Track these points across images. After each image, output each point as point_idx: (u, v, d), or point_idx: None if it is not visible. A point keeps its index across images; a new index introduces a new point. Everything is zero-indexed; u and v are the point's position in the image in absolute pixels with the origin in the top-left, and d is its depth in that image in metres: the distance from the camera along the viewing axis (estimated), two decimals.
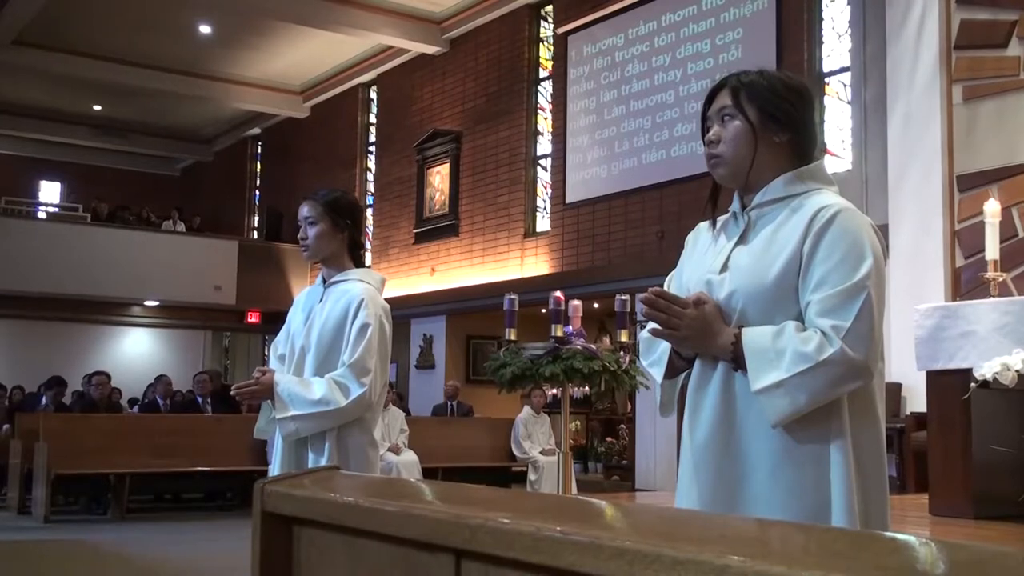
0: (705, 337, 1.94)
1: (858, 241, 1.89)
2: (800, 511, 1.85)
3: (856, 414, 1.90)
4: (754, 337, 1.89)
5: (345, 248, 3.60)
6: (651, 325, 2.02)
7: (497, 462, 11.17)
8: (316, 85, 19.15)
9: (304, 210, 3.56)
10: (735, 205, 2.12)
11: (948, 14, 9.24)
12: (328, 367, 3.42)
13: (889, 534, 0.95)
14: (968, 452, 4.90)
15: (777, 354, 1.84)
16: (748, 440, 1.91)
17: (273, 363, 3.66)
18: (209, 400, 11.34)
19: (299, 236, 3.60)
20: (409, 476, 9.74)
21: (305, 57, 17.75)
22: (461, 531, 0.93)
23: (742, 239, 2.04)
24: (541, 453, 10.49)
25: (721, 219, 2.14)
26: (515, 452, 10.84)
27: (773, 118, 2.04)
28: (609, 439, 12.92)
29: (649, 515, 1.11)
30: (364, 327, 3.41)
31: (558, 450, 6.76)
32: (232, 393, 3.91)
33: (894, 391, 8.85)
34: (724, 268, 2.02)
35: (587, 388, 9.65)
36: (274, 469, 3.57)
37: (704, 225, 2.20)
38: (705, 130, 2.13)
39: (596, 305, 12.66)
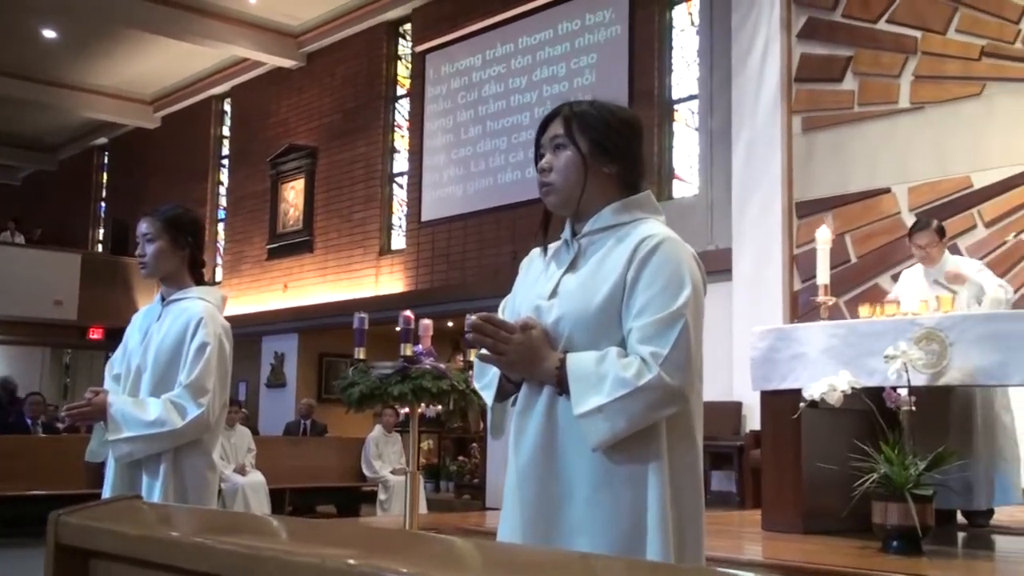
0: (531, 362, 1.98)
1: (678, 271, 1.95)
2: (617, 532, 1.89)
3: (674, 437, 1.96)
4: (578, 362, 1.93)
5: (185, 266, 3.51)
6: (482, 350, 2.05)
7: (347, 482, 11.04)
8: (167, 95, 18.65)
9: (143, 227, 3.47)
10: (566, 232, 2.16)
11: (789, 48, 9.66)
12: (165, 387, 3.33)
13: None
14: (799, 469, 5.10)
15: (599, 379, 1.89)
16: (569, 463, 1.95)
17: (108, 383, 3.53)
18: (40, 422, 10.82)
19: (137, 253, 3.50)
20: (255, 497, 9.54)
21: (156, 66, 17.26)
22: (253, 564, 0.92)
23: (572, 266, 2.09)
24: (392, 473, 10.43)
25: (553, 246, 2.19)
26: (365, 472, 10.74)
27: (603, 149, 2.10)
28: (461, 458, 12.95)
29: (438, 547, 1.12)
30: (203, 346, 3.33)
31: (408, 470, 6.73)
32: (63, 414, 3.76)
33: (735, 410, 9.16)
34: (553, 294, 2.06)
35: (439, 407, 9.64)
36: (106, 493, 3.45)
37: (537, 251, 2.24)
38: (538, 157, 2.17)
39: (450, 324, 12.68)
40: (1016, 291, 7.98)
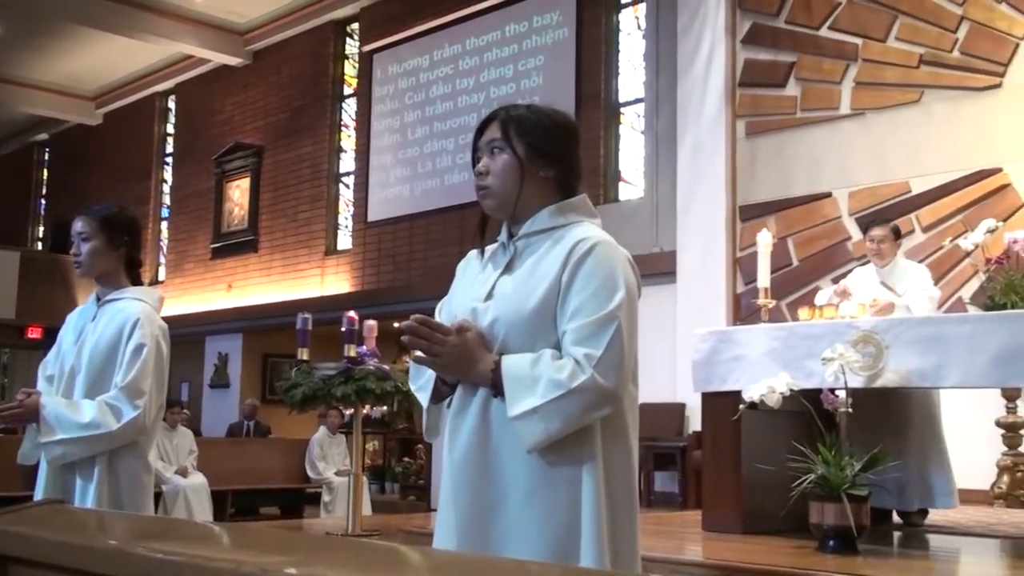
0: (466, 364, 1.98)
1: (612, 273, 1.97)
2: (552, 533, 1.90)
3: (608, 438, 1.98)
4: (512, 364, 1.94)
5: (121, 265, 3.47)
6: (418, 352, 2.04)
7: (291, 484, 10.95)
8: (110, 92, 18.39)
9: (78, 225, 3.43)
10: (503, 235, 2.17)
11: (733, 53, 9.77)
12: (100, 389, 3.28)
13: None
14: (738, 470, 5.16)
15: (533, 381, 1.90)
16: (504, 465, 1.96)
17: (41, 384, 3.47)
18: None
19: (72, 252, 3.46)
20: (197, 500, 9.43)
21: (99, 62, 17.00)
22: (167, 568, 0.92)
23: (508, 268, 2.10)
24: (336, 474, 10.36)
25: (490, 248, 2.19)
26: (309, 473, 10.67)
27: (540, 152, 2.11)
28: (406, 459, 12.92)
29: (355, 550, 1.12)
30: (139, 348, 3.29)
31: (352, 471, 6.70)
32: None
33: (678, 411, 9.24)
34: (489, 296, 2.07)
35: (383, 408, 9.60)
36: (38, 496, 3.40)
37: (474, 254, 2.24)
38: (475, 160, 2.17)
39: (396, 325, 12.58)
40: (952, 295, 8.15)
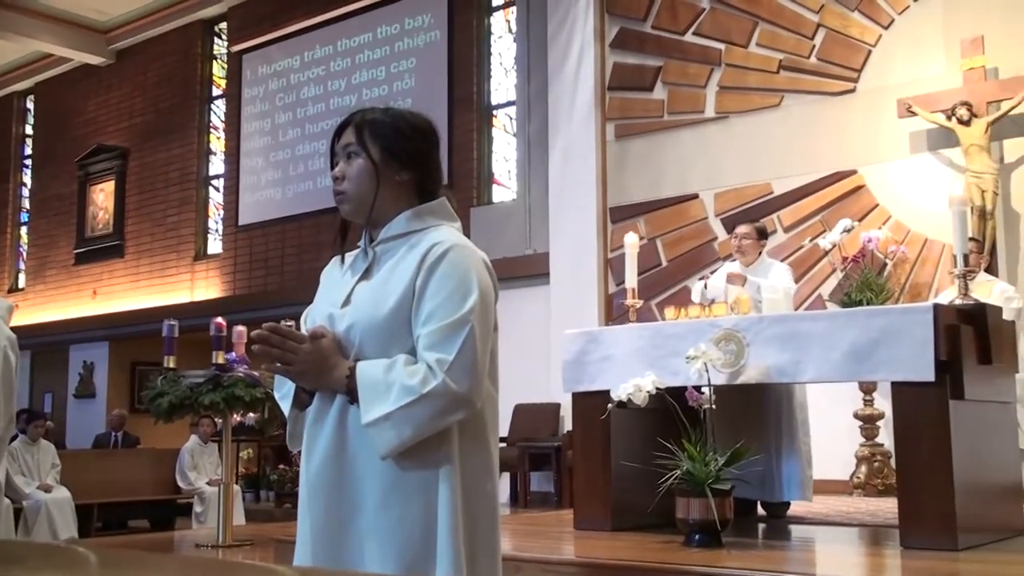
0: (321, 371, 1.96)
1: (466, 277, 1.97)
2: (408, 539, 1.90)
3: (466, 442, 1.98)
4: (367, 371, 1.93)
5: None
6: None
7: (161, 495, 10.65)
8: None
9: None
10: (363, 240, 2.16)
11: (603, 57, 9.92)
12: None
13: None
14: (607, 468, 5.24)
15: (387, 387, 1.89)
16: (360, 472, 1.94)
17: None
18: None
19: None
20: (60, 515, 9.09)
21: None
22: None
23: (366, 274, 2.08)
24: (208, 484, 10.12)
25: (351, 254, 2.18)
26: (180, 484, 10.39)
27: (396, 156, 2.10)
28: (282, 466, 12.68)
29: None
30: None
31: (223, 480, 6.56)
32: None
33: (553, 411, 9.33)
34: (346, 302, 2.05)
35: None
36: None
37: (336, 260, 2.23)
38: (333, 165, 2.15)
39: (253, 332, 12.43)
40: (812, 293, 8.44)
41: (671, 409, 4.60)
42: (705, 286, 6.11)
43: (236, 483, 9.91)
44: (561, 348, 5.70)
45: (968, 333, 4.48)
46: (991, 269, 7.35)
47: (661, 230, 9.42)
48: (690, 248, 9.25)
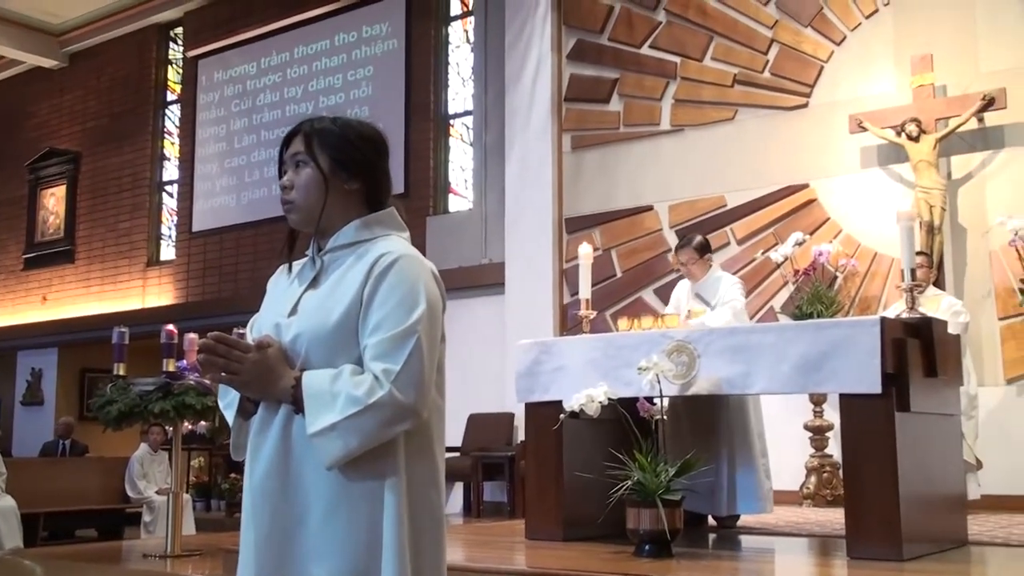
0: (266, 381, 1.95)
1: (413, 288, 1.97)
2: (352, 552, 1.89)
3: (412, 452, 1.98)
4: (313, 380, 1.92)
5: None
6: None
7: (110, 504, 10.52)
8: None
9: None
10: (311, 250, 2.15)
11: (560, 68, 9.96)
12: None
13: None
14: (559, 478, 5.25)
15: (333, 397, 1.88)
16: (305, 483, 1.93)
17: None
18: None
19: None
20: (5, 524, 8.94)
21: None
22: None
23: (313, 283, 2.08)
24: (157, 493, 10.01)
25: (298, 263, 2.17)
26: (130, 493, 10.27)
27: (344, 166, 2.09)
28: (233, 475, 12.56)
29: None
30: None
31: (172, 490, 6.48)
32: None
33: (507, 421, 9.33)
34: (293, 312, 2.05)
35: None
36: None
37: (283, 269, 2.22)
38: (282, 174, 2.15)
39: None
40: (764, 305, 8.52)
41: (623, 420, 4.63)
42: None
43: (186, 492, 9.82)
44: (515, 358, 5.72)
45: (914, 346, 4.55)
46: (939, 283, 7.46)
47: (616, 241, 9.47)
48: (644, 259, 9.30)
